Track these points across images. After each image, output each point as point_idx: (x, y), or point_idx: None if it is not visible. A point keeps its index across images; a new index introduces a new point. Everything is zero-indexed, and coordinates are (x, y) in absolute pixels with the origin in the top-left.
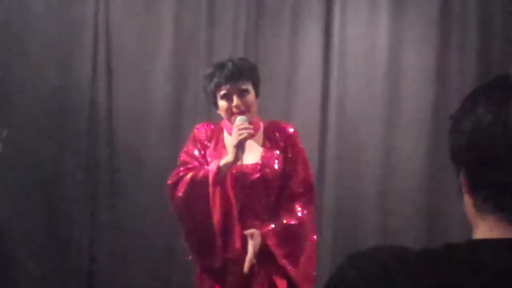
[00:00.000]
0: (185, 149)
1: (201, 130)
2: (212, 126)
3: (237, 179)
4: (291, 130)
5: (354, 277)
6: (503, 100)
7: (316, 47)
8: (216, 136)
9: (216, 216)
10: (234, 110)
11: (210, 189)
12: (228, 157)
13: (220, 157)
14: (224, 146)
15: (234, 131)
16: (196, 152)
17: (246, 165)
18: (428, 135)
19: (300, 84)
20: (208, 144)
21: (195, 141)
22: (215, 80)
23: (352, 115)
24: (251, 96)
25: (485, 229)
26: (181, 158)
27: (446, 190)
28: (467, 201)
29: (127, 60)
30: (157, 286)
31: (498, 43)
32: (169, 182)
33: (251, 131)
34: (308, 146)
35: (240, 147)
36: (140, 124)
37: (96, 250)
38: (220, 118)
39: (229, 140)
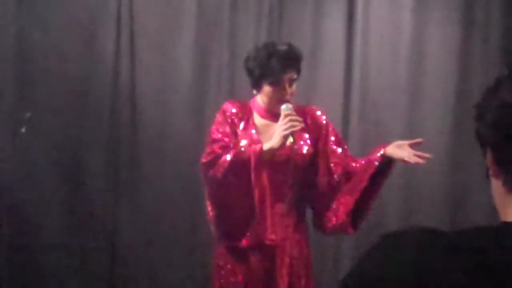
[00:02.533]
0: (215, 125)
1: (230, 107)
2: (241, 105)
3: (268, 162)
4: (322, 115)
5: (388, 258)
6: None
7: (339, 30)
8: (246, 116)
9: (256, 197)
10: (288, 98)
11: (253, 171)
12: (274, 143)
13: (249, 137)
14: (254, 127)
15: (284, 120)
16: (227, 129)
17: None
18: (452, 119)
19: (323, 68)
20: (238, 122)
21: (226, 117)
22: (270, 65)
23: (374, 99)
24: (295, 85)
25: None
26: (213, 134)
27: (469, 174)
28: (495, 184)
29: (150, 42)
30: (179, 264)
31: None
32: (204, 160)
33: (302, 124)
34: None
35: (288, 137)
36: (163, 103)
37: (119, 226)
38: (246, 97)
39: (267, 125)
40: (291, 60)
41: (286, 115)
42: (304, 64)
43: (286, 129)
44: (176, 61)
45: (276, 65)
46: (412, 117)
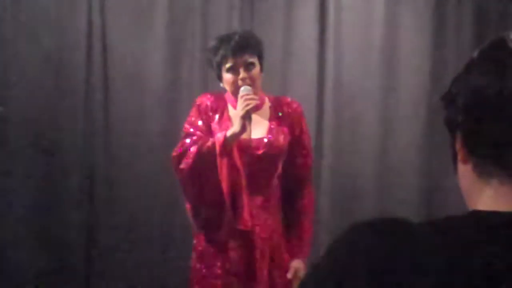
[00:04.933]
0: (189, 119)
1: (205, 101)
2: (216, 98)
3: (243, 153)
4: (298, 107)
5: (355, 246)
6: (498, 61)
7: (312, 21)
8: (221, 108)
9: (225, 187)
10: (240, 83)
11: (218, 160)
12: (234, 128)
13: (225, 129)
14: (228, 119)
15: (240, 101)
16: (200, 123)
17: (253, 140)
18: (426, 106)
19: (296, 56)
20: (212, 115)
21: (200, 111)
22: (221, 52)
23: (348, 87)
24: (256, 70)
25: (488, 197)
26: (185, 129)
27: (445, 160)
28: (464, 170)
29: (122, 32)
30: (157, 257)
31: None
32: (174, 154)
33: (258, 101)
34: (306, 116)
35: (247, 117)
36: (135, 94)
37: (95, 221)
38: (220, 90)
39: (235, 111)
40: (243, 44)
41: (241, 96)
42: (277, 54)
43: (242, 109)
44: (148, 55)
45: (227, 51)
46: (386, 107)
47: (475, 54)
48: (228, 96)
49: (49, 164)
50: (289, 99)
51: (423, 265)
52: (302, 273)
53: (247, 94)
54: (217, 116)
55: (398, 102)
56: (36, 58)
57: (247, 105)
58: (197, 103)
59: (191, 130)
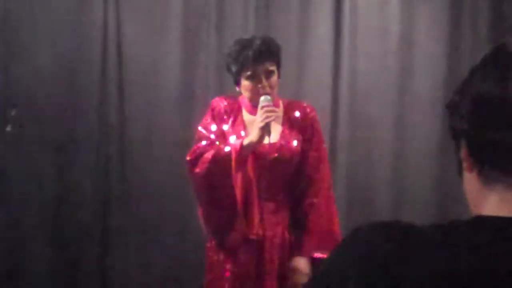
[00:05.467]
0: (203, 123)
1: (219, 104)
2: (230, 101)
3: (256, 157)
4: (311, 111)
5: (357, 250)
6: (501, 67)
7: (327, 23)
8: (234, 112)
9: (239, 194)
10: (261, 91)
11: (233, 167)
12: (252, 137)
13: (238, 134)
14: (242, 123)
15: (260, 112)
16: (214, 127)
17: (265, 144)
18: (440, 111)
19: (311, 61)
20: (226, 119)
21: (214, 115)
22: (241, 59)
23: (363, 91)
24: (275, 77)
25: (493, 203)
26: (200, 132)
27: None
28: (469, 179)
29: (137, 38)
30: (170, 259)
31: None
32: (189, 158)
33: (279, 114)
34: (320, 123)
35: (266, 128)
36: (150, 96)
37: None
38: (234, 93)
39: (250, 118)
40: (264, 51)
41: (262, 107)
42: (291, 58)
43: (261, 121)
44: (164, 57)
45: (249, 58)
46: (400, 110)
47: (478, 61)
48: (243, 100)
49: (63, 162)
50: (303, 104)
51: (425, 267)
52: (302, 271)
53: (268, 105)
54: (231, 120)
55: (414, 105)
56: (51, 57)
57: (268, 117)
58: (212, 106)
59: (205, 133)
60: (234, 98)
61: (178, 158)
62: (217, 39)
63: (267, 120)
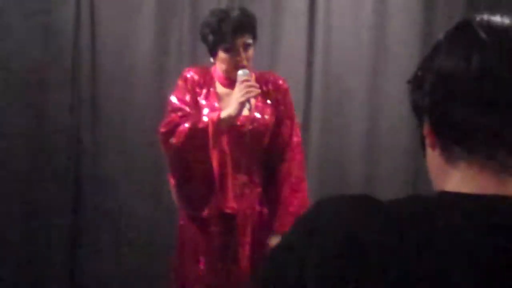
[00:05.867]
0: (175, 93)
1: (192, 75)
2: (203, 72)
3: (230, 130)
4: (283, 83)
5: (320, 221)
6: (465, 43)
7: None
8: (207, 84)
9: (215, 167)
10: (241, 63)
11: (210, 140)
12: (231, 111)
13: (212, 106)
14: (216, 96)
15: (240, 86)
16: (187, 98)
17: (239, 117)
18: None
19: (285, 35)
20: (199, 91)
21: (187, 85)
22: (220, 31)
23: (337, 66)
24: (252, 50)
25: (456, 180)
26: (173, 103)
27: None
28: (432, 155)
29: (110, 11)
30: (143, 230)
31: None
32: (163, 130)
33: (259, 90)
34: (294, 97)
35: (245, 103)
36: (124, 70)
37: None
38: (206, 64)
39: (230, 93)
40: (243, 24)
41: (243, 81)
42: (266, 32)
43: (242, 96)
44: (138, 33)
45: (227, 30)
46: (375, 83)
47: (442, 36)
48: (215, 71)
49: (34, 151)
50: (274, 75)
51: (388, 240)
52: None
53: (248, 80)
54: (204, 91)
55: (387, 79)
56: (24, 26)
57: (249, 92)
58: (184, 76)
59: (179, 104)
60: (206, 69)
61: (152, 131)
62: (191, 10)
63: (248, 96)
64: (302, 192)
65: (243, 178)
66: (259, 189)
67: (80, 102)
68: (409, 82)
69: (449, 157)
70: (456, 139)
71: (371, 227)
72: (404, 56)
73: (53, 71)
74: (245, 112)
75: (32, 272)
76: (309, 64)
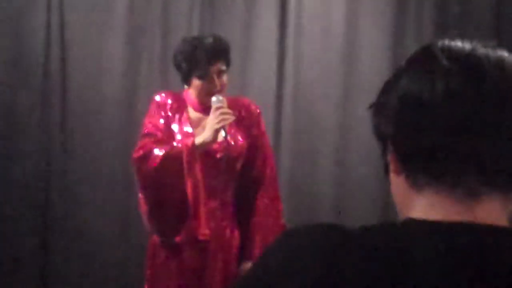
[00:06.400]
0: (149, 118)
1: (165, 100)
2: (174, 97)
3: (204, 156)
4: (256, 108)
5: (287, 252)
6: (427, 69)
7: (272, 21)
8: (181, 109)
9: (190, 194)
10: (214, 90)
11: (185, 166)
12: (206, 137)
13: (184, 132)
14: (188, 121)
15: (216, 113)
16: (161, 122)
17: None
18: None
19: (256, 59)
20: (172, 115)
21: (160, 110)
22: (194, 58)
23: (308, 89)
24: (226, 76)
25: (422, 206)
26: (146, 128)
27: None
28: (397, 181)
29: (80, 35)
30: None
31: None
32: (136, 155)
33: (233, 117)
34: (264, 118)
35: (220, 130)
36: (94, 90)
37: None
38: (178, 88)
39: (203, 119)
40: (217, 51)
41: (217, 108)
42: (236, 55)
43: (217, 123)
44: (108, 55)
45: (202, 58)
46: (345, 108)
47: (403, 63)
48: (188, 96)
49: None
50: (247, 101)
51: (356, 270)
52: None
53: (222, 107)
54: (177, 116)
55: (357, 103)
56: None
57: (225, 119)
58: (157, 101)
59: (152, 129)
60: (178, 94)
61: (124, 158)
62: (161, 36)
63: (223, 123)
64: (275, 219)
65: (215, 203)
66: (231, 209)
67: (49, 125)
68: (371, 107)
69: (415, 183)
70: (423, 166)
71: (349, 256)
72: (374, 79)
73: (22, 94)
74: (220, 138)
75: None
76: (279, 87)
